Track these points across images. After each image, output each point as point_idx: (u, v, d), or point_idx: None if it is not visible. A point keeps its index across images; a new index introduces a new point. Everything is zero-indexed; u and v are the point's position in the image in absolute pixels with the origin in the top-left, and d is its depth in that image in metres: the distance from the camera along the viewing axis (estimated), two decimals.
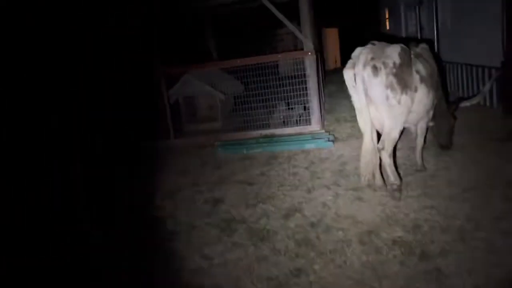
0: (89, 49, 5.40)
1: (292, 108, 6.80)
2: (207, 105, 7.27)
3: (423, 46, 4.22)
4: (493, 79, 5.54)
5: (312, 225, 3.53)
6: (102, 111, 5.63)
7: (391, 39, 4.35)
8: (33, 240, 3.48)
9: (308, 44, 6.26)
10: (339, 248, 3.13)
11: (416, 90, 3.77)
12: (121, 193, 4.68)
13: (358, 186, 4.07)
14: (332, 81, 9.65)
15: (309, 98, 6.27)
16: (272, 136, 6.17)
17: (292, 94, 6.39)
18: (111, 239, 3.75)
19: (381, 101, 3.66)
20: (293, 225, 3.57)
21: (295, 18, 6.56)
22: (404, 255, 2.95)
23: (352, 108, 4.03)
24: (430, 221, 3.33)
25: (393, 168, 3.88)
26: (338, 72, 10.06)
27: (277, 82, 6.45)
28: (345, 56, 4.50)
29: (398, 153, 4.61)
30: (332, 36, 14.38)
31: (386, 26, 13.68)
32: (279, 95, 6.52)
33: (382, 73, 3.59)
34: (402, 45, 3.83)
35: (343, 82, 3.92)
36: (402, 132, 3.92)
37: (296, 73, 6.37)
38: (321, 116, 6.35)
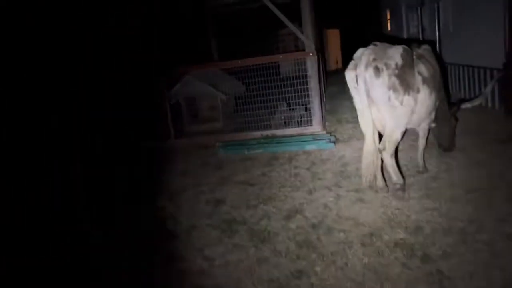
0: (89, 49, 5.39)
1: (293, 109, 6.79)
2: (208, 106, 7.26)
3: (425, 47, 4.20)
4: (494, 80, 5.52)
5: (313, 226, 3.52)
6: (102, 111, 5.62)
7: (393, 40, 4.33)
8: (33, 240, 3.47)
9: (310, 45, 6.25)
10: (341, 250, 3.11)
11: (418, 92, 3.75)
12: (121, 193, 4.67)
13: (360, 188, 4.05)
14: (334, 82, 9.65)
15: (310, 99, 6.25)
16: (273, 136, 6.15)
17: (293, 95, 6.38)
18: (111, 239, 3.74)
19: (383, 102, 3.64)
20: (294, 227, 3.56)
21: (296, 19, 6.55)
22: (405, 257, 2.93)
23: (353, 109, 4.01)
24: (432, 223, 3.31)
25: (396, 167, 3.87)
26: (339, 73, 10.05)
27: (278, 83, 6.44)
28: (346, 57, 4.48)
29: (399, 154, 4.59)
30: (333, 37, 14.38)
31: (387, 27, 13.68)
32: (280, 95, 6.51)
33: (384, 74, 3.58)
34: (404, 46, 3.81)
35: (344, 83, 3.91)
36: (404, 133, 3.91)
37: (297, 74, 6.36)
38: (322, 117, 6.34)
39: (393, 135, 3.75)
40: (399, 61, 3.64)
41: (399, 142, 3.90)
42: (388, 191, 3.89)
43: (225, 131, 6.68)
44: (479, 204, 3.49)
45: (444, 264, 2.81)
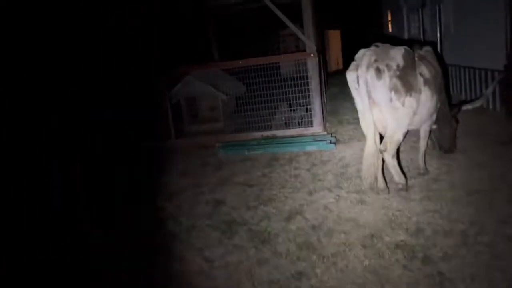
0: (89, 49, 5.39)
1: (294, 110, 6.78)
2: (209, 106, 7.25)
3: (427, 48, 4.20)
4: (495, 81, 5.52)
5: (314, 228, 3.50)
6: (102, 111, 5.62)
7: (394, 41, 4.32)
8: (33, 240, 3.46)
9: (311, 46, 6.24)
10: (341, 252, 3.10)
11: (420, 93, 3.74)
12: (121, 193, 4.66)
13: (360, 189, 4.04)
14: (334, 83, 9.64)
15: (311, 99, 6.25)
16: (274, 137, 6.15)
17: (294, 95, 6.38)
18: (111, 239, 3.73)
19: (385, 103, 3.64)
20: (295, 228, 3.54)
21: (297, 19, 6.55)
22: (406, 259, 2.92)
23: (354, 110, 4.01)
24: (433, 225, 3.29)
25: (397, 168, 3.86)
26: (340, 74, 10.03)
27: (279, 84, 6.43)
28: (347, 58, 4.47)
29: (400, 156, 4.58)
30: (334, 38, 14.38)
31: (388, 28, 13.66)
32: (281, 96, 6.50)
33: (386, 75, 3.57)
34: (406, 47, 3.81)
35: (345, 84, 3.90)
36: (405, 135, 3.90)
37: (298, 75, 6.36)
38: (323, 118, 6.33)
39: (395, 136, 3.74)
40: (400, 62, 3.63)
41: (400, 143, 3.89)
42: (388, 193, 3.88)
43: (226, 132, 6.67)
44: (480, 206, 3.48)
45: (445, 266, 2.79)
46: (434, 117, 4.22)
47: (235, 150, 5.76)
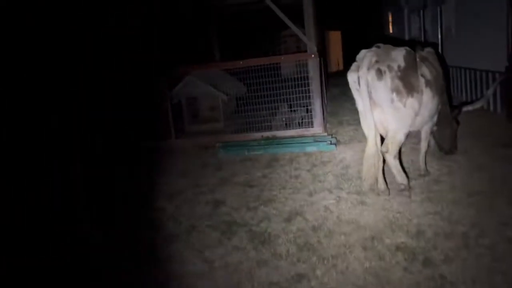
0: (89, 49, 5.38)
1: (294, 110, 6.77)
2: (209, 106, 7.24)
3: (429, 50, 4.19)
4: (496, 82, 5.51)
5: (314, 229, 3.49)
6: (102, 111, 5.61)
7: (396, 42, 4.32)
8: (33, 240, 3.45)
9: (312, 46, 6.23)
10: (341, 253, 3.09)
11: (421, 94, 3.74)
12: (121, 193, 4.65)
13: (361, 190, 4.04)
14: (335, 84, 9.63)
15: (311, 100, 6.23)
16: (274, 138, 6.14)
17: (294, 96, 6.36)
18: (111, 239, 3.72)
19: (386, 104, 3.63)
20: (295, 229, 3.53)
21: (298, 20, 6.54)
22: (407, 261, 2.91)
23: (354, 111, 4.00)
24: (433, 227, 3.29)
25: (399, 168, 3.86)
26: (340, 75, 10.02)
27: (280, 84, 6.42)
28: (348, 59, 4.47)
29: (401, 157, 4.57)
30: (335, 39, 14.37)
31: (389, 29, 13.66)
32: (281, 97, 6.49)
33: (387, 76, 3.56)
34: (408, 48, 3.80)
35: (345, 84, 3.89)
36: (407, 136, 3.89)
37: (299, 75, 6.35)
38: (324, 118, 6.32)
39: (397, 136, 3.74)
40: (401, 63, 3.62)
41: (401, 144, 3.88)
42: (389, 194, 3.88)
43: (226, 132, 6.66)
44: (481, 208, 3.47)
45: (446, 269, 2.79)
46: (435, 118, 4.21)
47: (235, 151, 5.75)
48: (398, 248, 3.07)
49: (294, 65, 6.81)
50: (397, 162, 3.84)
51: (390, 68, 3.58)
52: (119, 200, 4.52)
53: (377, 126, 3.75)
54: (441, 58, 4.52)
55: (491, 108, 6.04)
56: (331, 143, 5.49)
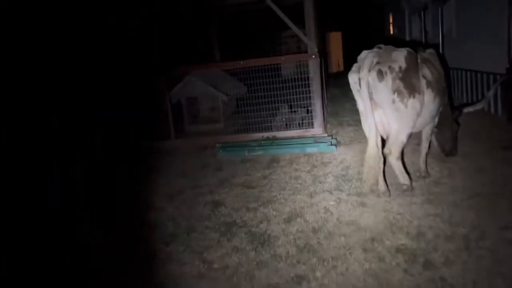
0: (89, 49, 5.38)
1: (294, 111, 6.77)
2: (209, 106, 7.24)
3: (430, 51, 4.19)
4: (497, 84, 5.50)
5: (314, 230, 3.48)
6: (102, 111, 5.60)
7: (397, 43, 4.31)
8: (33, 240, 3.45)
9: (312, 47, 6.23)
10: (342, 255, 3.08)
11: (423, 95, 3.73)
12: (121, 193, 4.64)
13: (361, 192, 4.03)
14: (335, 85, 9.63)
15: (312, 101, 6.23)
16: (274, 138, 6.13)
17: (295, 97, 6.36)
18: (111, 239, 3.71)
19: (388, 105, 3.63)
20: (295, 230, 3.52)
21: (299, 21, 6.53)
22: (407, 263, 2.90)
23: (355, 112, 4.00)
24: (434, 229, 3.28)
25: (402, 169, 3.86)
26: (341, 76, 10.04)
27: (280, 85, 6.41)
28: (348, 60, 4.47)
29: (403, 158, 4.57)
30: (335, 40, 14.38)
31: (390, 31, 13.67)
32: (281, 97, 6.48)
33: (388, 77, 3.56)
34: (409, 49, 3.79)
35: (346, 85, 3.88)
36: (409, 136, 3.88)
37: (299, 76, 6.34)
38: (324, 119, 6.32)
39: (399, 137, 3.74)
40: (403, 64, 3.62)
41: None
42: (389, 196, 3.87)
43: (226, 132, 6.66)
44: (481, 210, 3.46)
45: (446, 271, 2.78)
46: (436, 119, 4.21)
47: (235, 151, 5.74)
48: (398, 250, 3.06)
49: (295, 65, 6.80)
50: (400, 163, 3.84)
51: (391, 69, 3.58)
52: (119, 200, 4.51)
53: (378, 127, 3.75)
54: (442, 59, 4.52)
55: (492, 109, 6.04)
56: (331, 144, 5.48)
